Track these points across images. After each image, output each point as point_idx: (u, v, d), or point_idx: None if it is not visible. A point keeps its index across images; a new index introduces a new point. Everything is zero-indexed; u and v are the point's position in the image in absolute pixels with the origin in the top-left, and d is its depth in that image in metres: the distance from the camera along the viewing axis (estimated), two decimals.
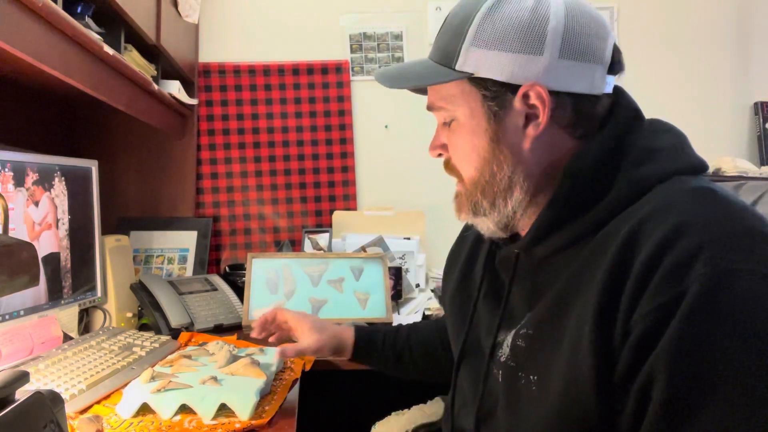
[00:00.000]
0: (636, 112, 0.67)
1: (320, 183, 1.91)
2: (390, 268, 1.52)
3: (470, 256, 0.85)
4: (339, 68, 1.91)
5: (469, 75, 0.65)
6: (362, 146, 1.94)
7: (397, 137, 1.95)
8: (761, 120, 2.03)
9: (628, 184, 0.61)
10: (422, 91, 0.78)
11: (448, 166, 0.74)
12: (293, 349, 0.99)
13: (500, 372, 0.68)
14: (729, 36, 2.04)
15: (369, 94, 1.94)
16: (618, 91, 0.68)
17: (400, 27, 1.94)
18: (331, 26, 1.93)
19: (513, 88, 0.64)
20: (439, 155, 0.75)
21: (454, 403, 0.81)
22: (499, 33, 0.63)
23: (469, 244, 0.87)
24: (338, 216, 1.87)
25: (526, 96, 0.64)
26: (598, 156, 0.63)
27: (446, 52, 0.67)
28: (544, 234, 0.66)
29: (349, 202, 1.92)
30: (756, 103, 2.04)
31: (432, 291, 1.69)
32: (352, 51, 1.93)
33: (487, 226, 0.71)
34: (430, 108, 0.73)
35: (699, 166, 0.63)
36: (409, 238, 1.79)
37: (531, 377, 0.63)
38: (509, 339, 0.67)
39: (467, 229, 0.91)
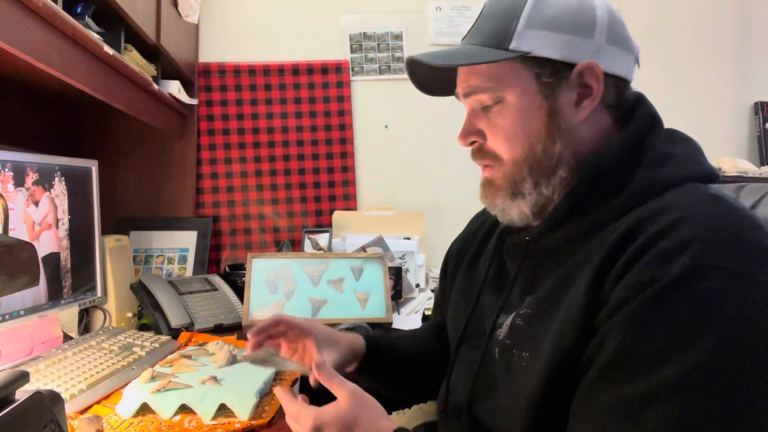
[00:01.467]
0: (655, 118, 0.70)
1: (320, 183, 1.91)
2: (390, 268, 1.52)
3: (480, 247, 0.89)
4: (339, 68, 1.91)
5: (526, 54, 0.67)
6: (362, 146, 1.94)
7: (397, 137, 1.95)
8: (761, 120, 2.03)
9: (642, 185, 0.64)
10: (444, 90, 0.80)
11: (481, 152, 0.73)
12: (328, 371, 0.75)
13: (497, 350, 0.71)
14: (729, 36, 2.04)
15: (369, 94, 1.94)
16: (640, 95, 0.73)
17: (400, 27, 1.94)
18: (331, 26, 1.93)
19: (568, 67, 0.68)
20: (472, 143, 0.74)
21: (450, 382, 0.83)
22: (553, 16, 0.68)
23: (479, 235, 0.90)
24: (338, 216, 1.87)
25: (581, 74, 0.68)
26: (619, 153, 0.67)
27: (497, 34, 0.69)
28: (560, 222, 0.69)
29: (349, 202, 1.92)
30: (756, 103, 2.04)
31: (432, 291, 1.69)
32: (352, 51, 1.93)
33: (520, 210, 0.72)
34: (466, 94, 0.73)
35: (711, 176, 0.67)
36: (409, 238, 1.79)
37: (524, 354, 0.67)
38: (509, 320, 0.71)
39: (480, 220, 0.93)
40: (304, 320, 0.92)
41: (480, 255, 0.88)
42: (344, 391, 0.69)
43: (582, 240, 0.66)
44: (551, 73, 0.68)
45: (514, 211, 0.73)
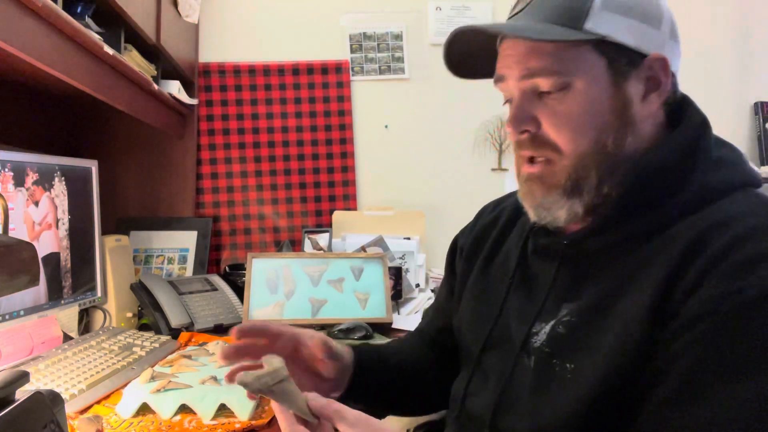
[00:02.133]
0: (705, 120, 0.67)
1: (320, 183, 1.91)
2: (390, 268, 1.52)
3: (496, 245, 0.83)
4: (339, 68, 1.91)
5: (602, 37, 0.62)
6: (362, 146, 1.94)
7: (397, 137, 1.95)
8: (761, 120, 2.03)
9: (699, 189, 0.61)
10: (476, 73, 0.73)
11: (534, 143, 0.65)
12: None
13: (532, 358, 0.66)
14: (729, 36, 2.04)
15: (369, 94, 1.94)
16: (685, 95, 0.69)
17: (400, 27, 1.94)
18: (331, 26, 1.93)
19: (640, 56, 0.64)
20: (524, 132, 0.65)
21: (468, 388, 0.77)
22: (626, 0, 0.63)
23: (494, 233, 0.84)
24: (338, 216, 1.87)
25: (650, 66, 0.64)
26: (677, 154, 0.63)
27: (567, 12, 0.62)
28: (609, 225, 0.64)
29: (349, 202, 1.92)
30: (756, 103, 2.04)
31: (432, 291, 1.69)
32: (352, 51, 1.93)
33: (572, 210, 0.65)
34: (524, 76, 0.65)
35: (759, 180, 0.65)
36: (409, 238, 1.79)
37: (567, 365, 0.62)
38: (547, 328, 0.66)
39: (492, 215, 0.87)
40: (297, 330, 0.76)
41: (495, 254, 0.82)
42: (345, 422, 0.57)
43: (632, 245, 0.62)
44: (627, 61, 0.63)
45: (563, 212, 0.65)
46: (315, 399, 0.58)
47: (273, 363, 0.61)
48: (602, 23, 0.62)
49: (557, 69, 0.63)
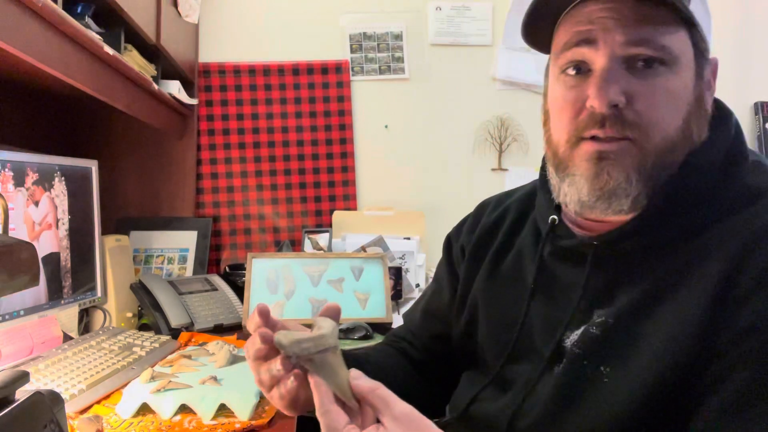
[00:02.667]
0: (739, 124, 0.66)
1: (320, 183, 1.91)
2: (390, 268, 1.52)
3: (503, 246, 0.77)
4: (339, 68, 1.91)
5: (696, 23, 0.59)
6: (362, 146, 1.94)
7: (397, 137, 1.94)
8: (761, 120, 2.03)
9: (744, 189, 0.59)
10: (543, 42, 0.66)
11: (619, 119, 0.58)
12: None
13: (561, 363, 0.63)
14: (729, 36, 2.04)
15: (369, 94, 1.93)
16: (717, 99, 0.67)
17: (400, 27, 1.94)
18: (331, 26, 1.93)
19: (706, 56, 0.62)
20: (614, 106, 0.58)
21: (479, 395, 0.72)
22: None
23: (499, 233, 0.79)
24: (338, 216, 1.87)
25: (711, 69, 0.63)
26: (721, 155, 0.61)
27: None
28: (649, 225, 0.60)
29: (349, 202, 1.92)
30: (756, 103, 2.04)
31: None
32: (352, 51, 1.93)
33: (638, 201, 0.59)
34: (632, 42, 0.57)
35: None
36: (409, 238, 1.79)
37: (601, 368, 0.58)
38: (579, 330, 0.62)
39: (495, 214, 0.82)
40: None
41: (505, 255, 0.76)
42: (390, 414, 0.48)
43: (672, 247, 0.59)
44: (703, 57, 0.61)
45: (628, 201, 0.59)
46: (359, 379, 0.50)
47: (323, 327, 0.50)
48: (696, 9, 0.58)
49: (667, 43, 0.57)
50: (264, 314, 0.57)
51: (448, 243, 0.89)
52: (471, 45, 1.93)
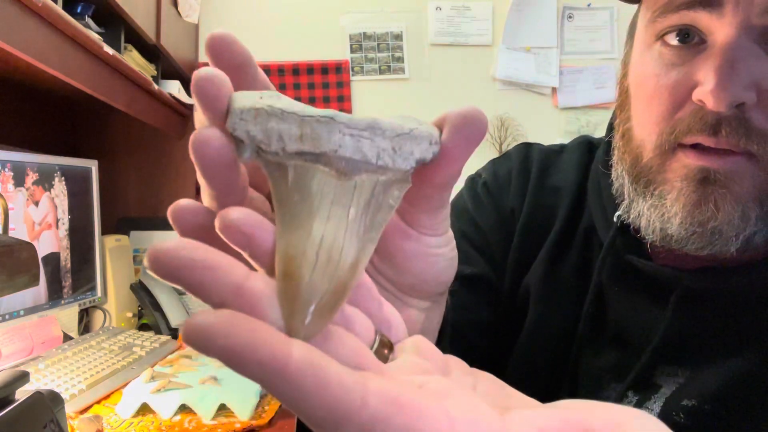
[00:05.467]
0: None
1: None
2: None
3: (563, 236, 0.54)
4: (339, 68, 1.91)
5: None
6: None
7: None
8: None
9: None
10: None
11: (742, 123, 0.38)
12: None
13: None
14: None
15: (369, 94, 1.94)
16: None
17: (400, 27, 1.94)
18: (331, 26, 1.93)
19: None
20: (739, 104, 0.38)
21: None
22: None
23: (562, 212, 0.55)
24: None
25: None
26: None
27: None
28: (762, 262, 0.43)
29: None
30: None
31: None
32: (352, 51, 1.93)
33: (752, 242, 0.42)
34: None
35: None
36: None
37: None
38: (654, 409, 0.46)
39: (552, 183, 0.58)
40: None
41: (568, 247, 0.54)
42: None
43: None
44: None
45: (737, 241, 0.41)
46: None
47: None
48: None
49: None
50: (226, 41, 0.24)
51: (478, 185, 0.67)
52: (471, 45, 1.93)
